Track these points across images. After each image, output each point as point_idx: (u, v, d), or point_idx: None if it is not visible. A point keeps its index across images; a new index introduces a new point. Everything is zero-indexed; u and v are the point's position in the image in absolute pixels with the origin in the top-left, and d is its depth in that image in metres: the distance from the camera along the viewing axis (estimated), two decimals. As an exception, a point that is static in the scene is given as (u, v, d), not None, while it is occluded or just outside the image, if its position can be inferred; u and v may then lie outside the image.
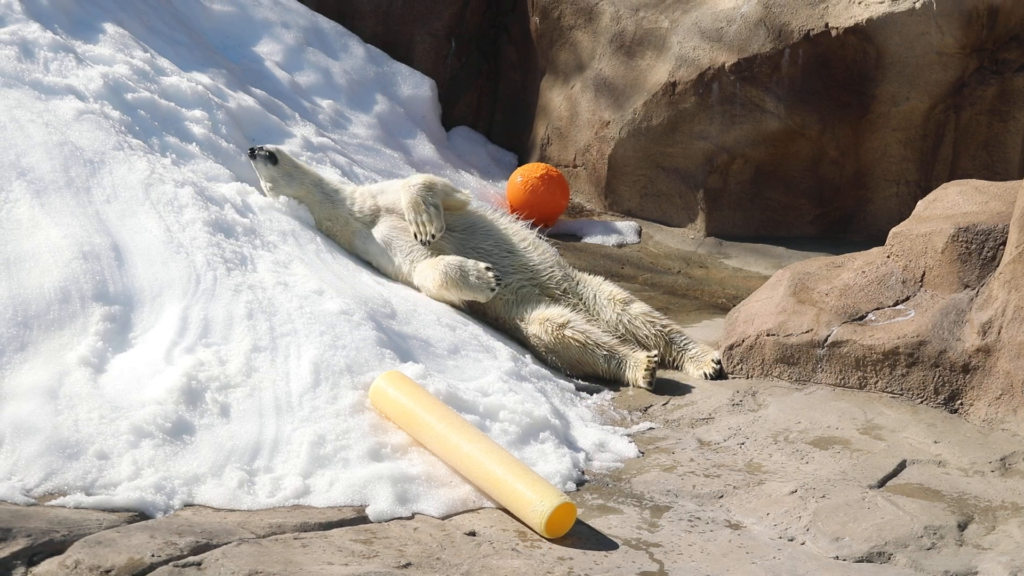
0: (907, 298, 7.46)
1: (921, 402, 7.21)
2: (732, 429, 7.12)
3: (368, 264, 8.30)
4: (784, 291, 7.80)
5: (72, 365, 6.41)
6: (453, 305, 8.04)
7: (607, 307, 8.19)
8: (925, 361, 7.19)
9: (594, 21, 10.95)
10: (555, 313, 8.00)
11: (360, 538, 5.77)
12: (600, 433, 7.06)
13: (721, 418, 7.28)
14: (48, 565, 5.31)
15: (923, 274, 7.44)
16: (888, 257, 7.63)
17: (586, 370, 7.91)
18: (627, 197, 10.76)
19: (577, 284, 8.32)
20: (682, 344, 8.02)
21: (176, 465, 6.08)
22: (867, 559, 5.84)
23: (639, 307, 8.18)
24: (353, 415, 6.55)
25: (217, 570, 5.33)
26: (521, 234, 8.42)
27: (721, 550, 5.89)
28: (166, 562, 5.35)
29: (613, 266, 9.84)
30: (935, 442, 6.85)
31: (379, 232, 8.27)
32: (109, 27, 9.07)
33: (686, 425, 7.25)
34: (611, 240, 10.40)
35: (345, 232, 8.34)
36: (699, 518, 6.20)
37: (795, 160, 10.40)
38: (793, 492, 6.33)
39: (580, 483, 6.54)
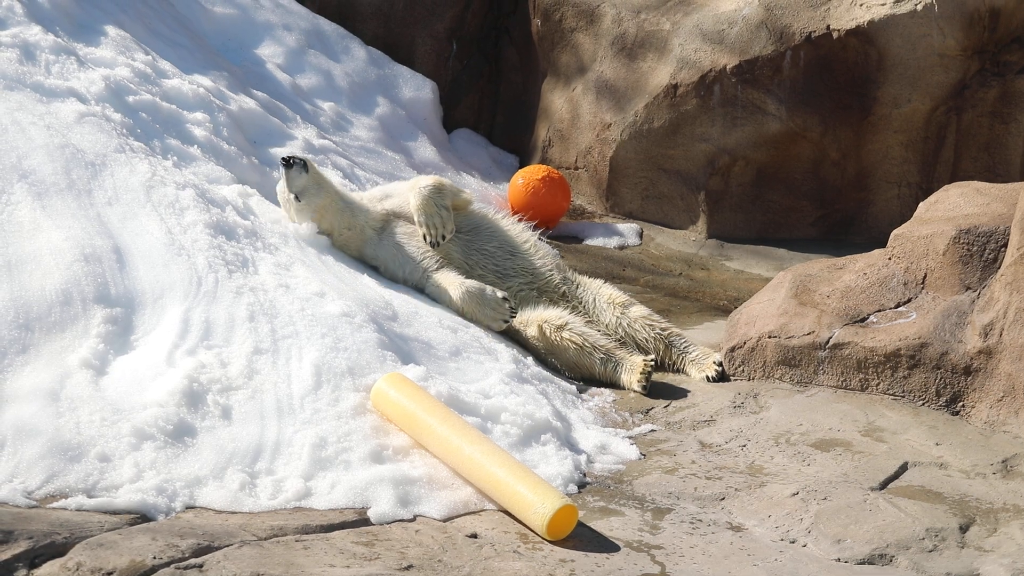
0: (908, 300, 7.46)
1: (923, 404, 7.21)
2: (733, 431, 7.12)
3: (372, 268, 8.28)
4: (785, 293, 7.80)
5: (73, 367, 6.41)
6: None
7: (606, 310, 8.19)
8: (927, 363, 7.19)
9: (595, 23, 10.95)
10: (553, 315, 8.00)
11: (362, 540, 5.77)
12: (601, 435, 7.07)
13: (722, 420, 7.28)
14: (49, 567, 5.31)
15: (924, 276, 7.44)
16: (889, 259, 7.63)
17: (583, 372, 7.92)
18: (628, 199, 10.76)
19: (577, 287, 8.32)
20: (682, 347, 8.01)
21: (178, 467, 6.08)
22: (869, 561, 5.84)
23: (638, 310, 8.18)
24: (354, 417, 6.55)
25: (219, 572, 5.33)
26: (523, 236, 8.43)
27: (723, 552, 5.89)
28: (167, 564, 5.35)
29: (614, 268, 9.84)
30: (937, 444, 6.84)
31: (389, 238, 8.25)
32: (111, 29, 9.08)
33: (687, 427, 7.25)
34: (612, 242, 10.40)
35: (358, 240, 8.29)
36: (701, 520, 6.20)
37: (796, 162, 10.40)
38: (795, 494, 6.33)
39: (582, 485, 6.54)
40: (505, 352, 7.68)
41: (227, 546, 5.53)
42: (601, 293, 8.27)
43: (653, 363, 7.80)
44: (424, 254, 8.17)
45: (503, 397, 6.99)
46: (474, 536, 5.90)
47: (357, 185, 9.35)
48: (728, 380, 7.79)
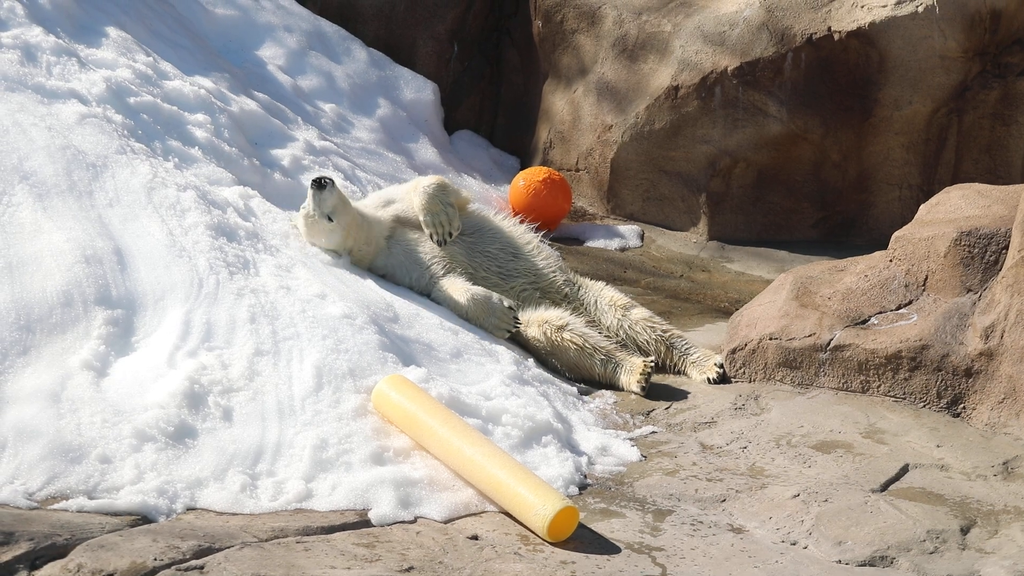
0: (910, 302, 7.46)
1: (924, 406, 7.21)
2: (734, 433, 7.12)
3: (380, 277, 8.22)
4: (787, 295, 7.80)
5: (75, 369, 6.41)
6: None
7: (608, 312, 8.19)
8: (928, 365, 7.19)
9: (597, 25, 10.95)
10: (554, 315, 8.01)
11: (363, 542, 5.77)
12: (602, 437, 7.07)
13: (723, 422, 7.28)
14: (50, 569, 5.31)
15: (926, 278, 7.44)
16: (891, 261, 7.63)
17: (583, 373, 7.92)
18: (629, 201, 10.76)
19: (578, 289, 8.33)
20: (683, 349, 8.01)
21: (179, 469, 6.09)
22: (870, 563, 5.84)
23: (639, 312, 8.18)
24: (355, 419, 6.55)
25: (219, 574, 5.33)
26: (525, 238, 8.43)
27: (724, 554, 5.89)
28: (168, 566, 5.35)
29: (615, 270, 9.84)
30: (938, 446, 6.84)
31: (397, 246, 8.20)
32: (112, 31, 9.08)
33: (688, 429, 7.25)
34: (613, 244, 10.39)
35: (373, 253, 8.21)
36: (701, 522, 6.20)
37: (797, 164, 10.39)
38: (795, 496, 6.32)
39: (582, 487, 6.54)
40: (506, 354, 7.68)
41: (228, 547, 5.53)
42: (603, 295, 8.28)
43: (653, 365, 7.80)
44: (432, 260, 8.15)
45: (504, 399, 6.99)
46: (475, 538, 5.91)
47: (358, 187, 9.35)
48: (729, 382, 7.79)
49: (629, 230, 10.55)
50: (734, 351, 7.81)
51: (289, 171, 9.10)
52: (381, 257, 8.19)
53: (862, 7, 9.98)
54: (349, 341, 6.96)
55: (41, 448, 5.98)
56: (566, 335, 7.91)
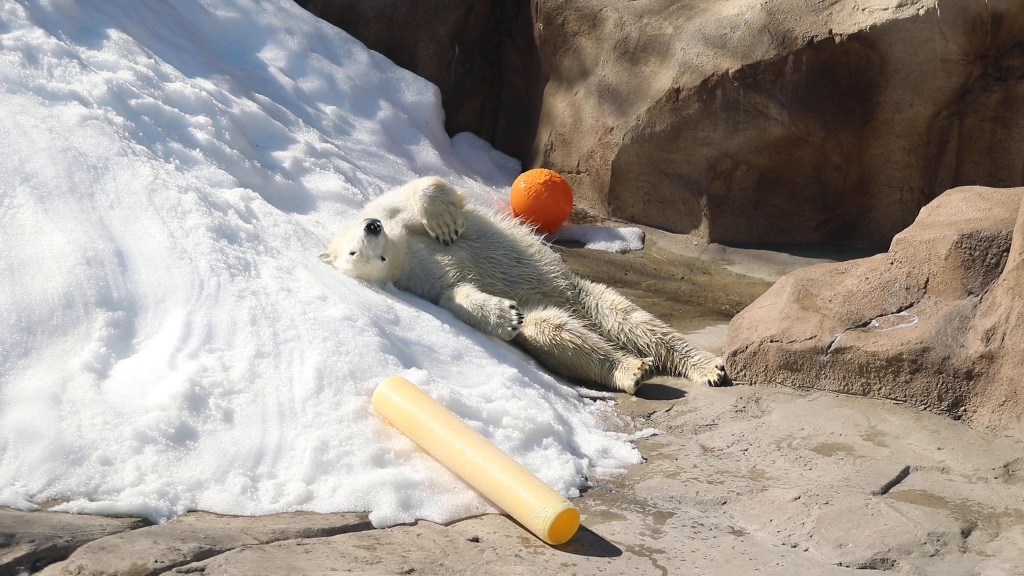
0: (911, 305, 7.46)
1: (925, 409, 7.21)
2: (735, 435, 7.12)
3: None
4: (788, 297, 7.80)
5: (75, 371, 6.41)
6: None
7: (608, 316, 8.20)
8: (929, 368, 7.19)
9: (598, 27, 10.95)
10: (552, 314, 8.02)
11: (363, 544, 5.77)
12: (603, 439, 7.07)
13: (724, 424, 7.28)
14: (51, 571, 5.31)
15: (927, 281, 7.44)
16: (892, 264, 7.63)
17: (579, 373, 7.93)
18: (631, 203, 10.76)
19: (579, 293, 8.33)
20: (684, 351, 8.01)
21: (179, 471, 6.08)
22: (870, 566, 5.84)
23: (639, 316, 8.19)
24: (356, 421, 6.55)
25: (220, 576, 5.35)
26: (528, 241, 8.43)
27: (724, 556, 5.89)
28: (169, 568, 5.35)
29: (616, 272, 9.84)
30: (938, 449, 6.84)
31: (414, 259, 8.11)
32: (113, 33, 9.08)
33: (689, 431, 7.25)
34: (614, 246, 10.40)
35: (401, 273, 8.13)
36: (702, 524, 6.20)
37: (799, 166, 10.40)
38: (796, 498, 6.32)
39: (583, 489, 6.54)
40: (507, 356, 7.69)
41: (229, 550, 5.53)
42: (604, 299, 8.28)
43: (650, 365, 7.81)
44: (444, 271, 8.11)
45: (505, 401, 7.00)
46: (476, 540, 5.90)
47: (359, 188, 9.35)
48: (730, 384, 7.79)
49: (630, 232, 10.55)
50: (735, 353, 7.81)
51: (290, 173, 9.10)
52: (404, 276, 8.14)
53: (863, 10, 9.98)
54: (350, 343, 6.96)
55: (42, 450, 5.98)
56: (565, 335, 7.91)
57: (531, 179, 10.47)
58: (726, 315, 9.01)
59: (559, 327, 7.93)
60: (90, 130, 7.82)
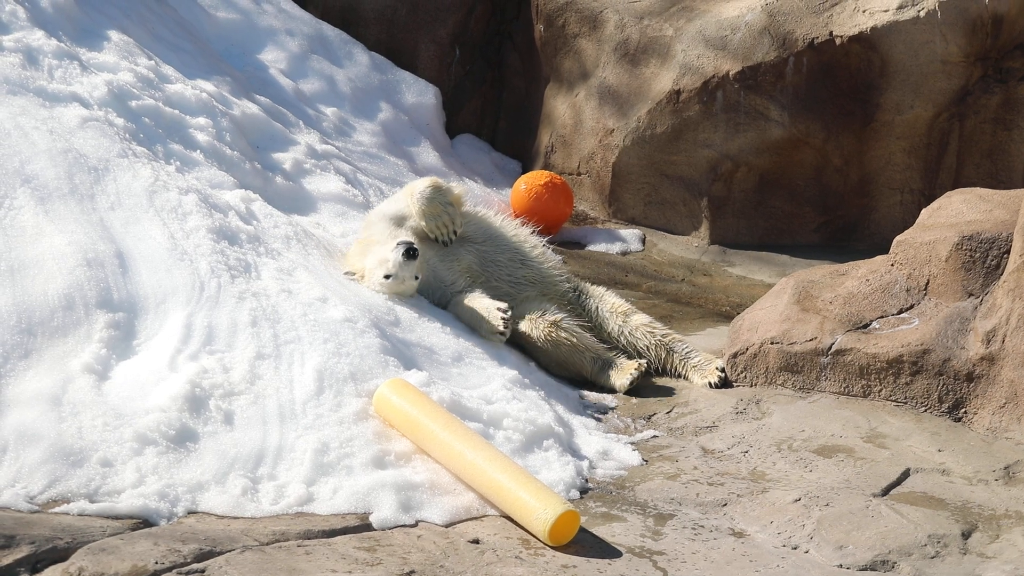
0: (911, 306, 7.46)
1: (925, 411, 7.21)
2: (736, 437, 7.12)
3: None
4: (788, 299, 7.80)
5: (76, 372, 6.41)
6: None
7: (609, 319, 8.21)
8: (929, 369, 7.19)
9: (598, 29, 10.95)
10: (549, 310, 8.02)
11: (364, 546, 5.77)
12: (604, 441, 7.07)
13: (725, 426, 7.28)
14: (52, 572, 5.31)
15: (927, 282, 7.44)
16: (892, 265, 7.63)
17: (571, 370, 7.94)
18: (631, 205, 10.76)
19: (580, 295, 8.33)
20: (684, 353, 8.01)
21: (180, 472, 6.09)
22: (871, 568, 5.84)
23: (640, 318, 8.19)
24: (357, 423, 6.55)
25: (220, 577, 5.35)
26: (531, 242, 8.42)
27: (725, 558, 5.89)
28: (170, 569, 5.35)
29: (617, 274, 9.84)
30: (939, 451, 6.84)
31: (427, 268, 8.09)
32: (114, 34, 9.08)
33: (690, 433, 7.25)
34: (615, 248, 10.40)
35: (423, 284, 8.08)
36: (703, 526, 6.20)
37: (799, 168, 10.40)
38: (797, 500, 6.32)
39: (584, 491, 6.54)
40: (508, 357, 7.69)
41: (229, 551, 5.54)
42: (604, 301, 8.29)
43: (644, 365, 7.83)
44: (455, 277, 8.09)
45: (505, 403, 7.00)
46: (476, 542, 5.91)
47: (360, 190, 9.35)
48: (730, 386, 7.79)
49: (630, 234, 10.55)
50: (735, 355, 7.81)
51: (291, 175, 9.10)
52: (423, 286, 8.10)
53: (864, 12, 9.98)
54: (350, 345, 6.96)
55: (42, 451, 5.98)
56: (562, 333, 7.92)
57: (532, 181, 10.47)
58: (726, 317, 9.01)
59: (555, 324, 7.94)
60: (91, 132, 7.82)
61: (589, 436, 7.11)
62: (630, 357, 8.01)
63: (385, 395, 6.64)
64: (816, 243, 10.46)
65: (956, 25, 9.82)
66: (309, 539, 5.77)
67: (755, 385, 7.71)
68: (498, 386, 7.17)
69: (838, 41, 10.02)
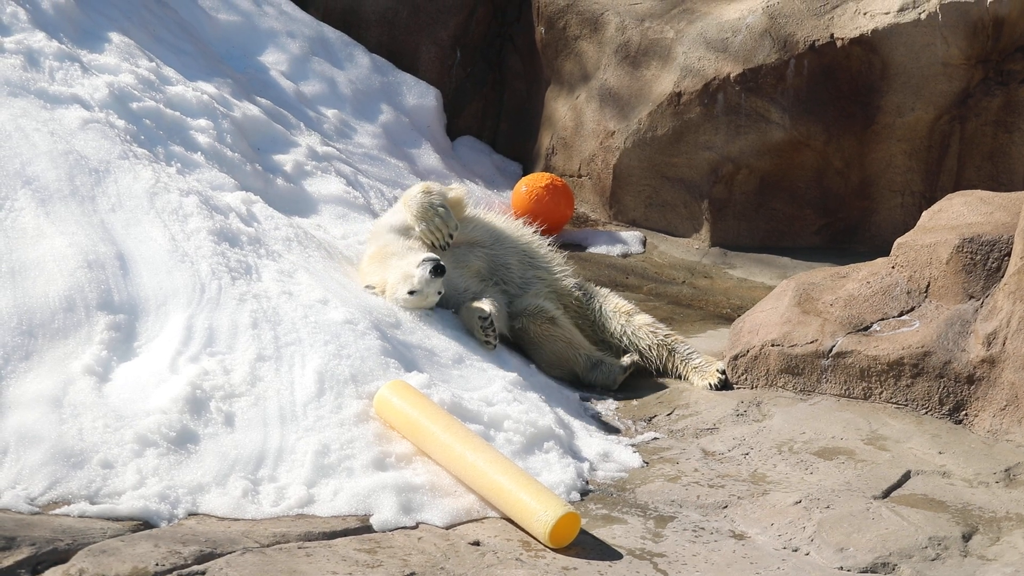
0: (912, 309, 7.46)
1: (926, 413, 7.21)
2: (736, 439, 7.12)
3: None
4: (789, 301, 7.80)
5: (77, 374, 6.41)
6: None
7: (612, 318, 8.22)
8: (930, 372, 7.19)
9: (599, 31, 10.95)
10: (547, 307, 8.04)
11: (364, 547, 5.77)
12: (604, 443, 7.07)
13: (725, 428, 7.28)
14: (52, 574, 5.31)
15: (928, 285, 7.44)
16: (893, 268, 7.63)
17: (564, 367, 7.97)
18: (632, 207, 10.76)
19: (585, 294, 8.34)
20: (685, 354, 8.02)
21: (180, 474, 6.09)
22: (871, 570, 5.84)
23: (642, 319, 8.21)
24: (357, 424, 6.55)
25: (221, 579, 5.35)
26: (537, 242, 8.43)
27: (725, 560, 5.89)
28: (170, 571, 5.35)
29: (618, 276, 9.84)
30: (940, 453, 6.84)
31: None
32: (115, 36, 9.09)
33: (690, 435, 7.25)
34: (616, 250, 10.40)
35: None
36: (703, 528, 6.20)
37: (800, 171, 10.40)
38: (797, 502, 6.32)
39: (584, 493, 6.54)
40: (509, 360, 7.69)
41: (229, 553, 5.54)
42: (608, 301, 8.32)
43: (634, 361, 7.87)
44: (467, 283, 8.07)
45: (506, 405, 6.99)
46: (477, 544, 5.91)
47: (361, 192, 9.35)
48: (731, 388, 7.79)
49: (631, 236, 10.55)
50: (736, 357, 7.81)
51: (291, 176, 9.10)
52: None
53: (865, 14, 9.98)
54: (351, 347, 6.96)
55: (43, 453, 5.98)
56: (556, 330, 7.95)
57: (532, 183, 10.47)
58: (727, 319, 9.01)
59: (552, 320, 7.97)
60: (91, 133, 7.82)
61: (590, 438, 7.11)
62: (643, 359, 8.05)
63: (386, 397, 6.64)
64: (817, 245, 10.46)
65: (957, 27, 9.81)
66: (309, 541, 5.77)
67: (756, 387, 7.71)
68: (499, 388, 7.17)
69: (839, 43, 10.02)
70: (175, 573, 5.35)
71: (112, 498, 5.88)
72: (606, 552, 5.92)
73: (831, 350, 7.46)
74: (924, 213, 7.93)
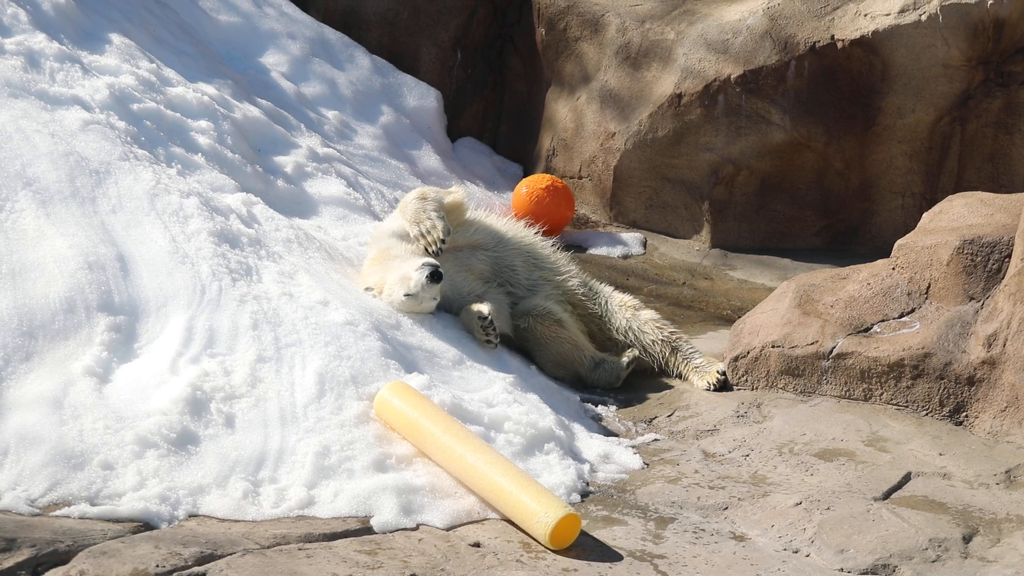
0: (912, 310, 7.46)
1: (926, 414, 7.21)
2: (737, 441, 7.12)
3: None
4: (789, 303, 7.80)
5: (77, 375, 6.41)
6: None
7: (618, 313, 8.25)
8: (930, 373, 7.19)
9: (600, 33, 10.96)
10: (553, 308, 8.05)
11: (364, 549, 5.76)
12: (605, 444, 7.06)
13: (726, 430, 7.28)
14: (53, 575, 5.31)
15: (928, 286, 7.44)
16: (893, 269, 7.63)
17: (568, 368, 7.99)
18: (632, 208, 10.76)
19: (590, 291, 8.35)
20: (687, 353, 8.03)
21: (181, 475, 6.09)
22: (872, 571, 5.83)
23: (648, 314, 8.26)
24: (358, 426, 6.55)
25: (221, 581, 5.35)
26: (541, 243, 8.43)
27: (726, 562, 5.89)
28: (170, 572, 5.35)
29: (618, 277, 9.84)
30: (940, 454, 6.84)
31: (445, 281, 8.03)
32: (115, 37, 9.09)
33: (691, 437, 7.25)
34: (616, 251, 10.40)
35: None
36: (704, 530, 6.20)
37: (800, 172, 10.40)
38: (798, 504, 6.32)
39: (585, 494, 6.54)
40: (509, 361, 7.69)
41: (230, 554, 5.54)
42: (613, 297, 8.36)
43: (635, 360, 7.94)
44: (471, 286, 8.07)
45: (506, 406, 6.99)
46: (477, 545, 5.90)
47: (361, 194, 9.35)
48: (731, 389, 7.80)
49: (632, 237, 10.56)
50: (736, 359, 7.81)
51: (292, 178, 9.10)
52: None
53: (865, 16, 9.98)
54: (351, 348, 6.96)
55: (43, 454, 5.98)
56: (563, 332, 7.96)
57: (533, 184, 10.48)
58: (727, 320, 9.01)
59: (558, 322, 7.98)
60: (92, 135, 7.82)
61: (590, 439, 7.11)
62: (647, 355, 8.08)
63: (386, 398, 6.64)
64: (817, 247, 10.46)
65: (958, 29, 9.82)
66: (310, 542, 5.77)
67: (756, 389, 7.71)
68: (499, 389, 7.17)
69: (839, 45, 10.02)
70: (175, 574, 5.35)
71: (112, 499, 5.88)
72: (606, 554, 5.92)
73: (831, 351, 7.46)
74: (924, 215, 7.93)
